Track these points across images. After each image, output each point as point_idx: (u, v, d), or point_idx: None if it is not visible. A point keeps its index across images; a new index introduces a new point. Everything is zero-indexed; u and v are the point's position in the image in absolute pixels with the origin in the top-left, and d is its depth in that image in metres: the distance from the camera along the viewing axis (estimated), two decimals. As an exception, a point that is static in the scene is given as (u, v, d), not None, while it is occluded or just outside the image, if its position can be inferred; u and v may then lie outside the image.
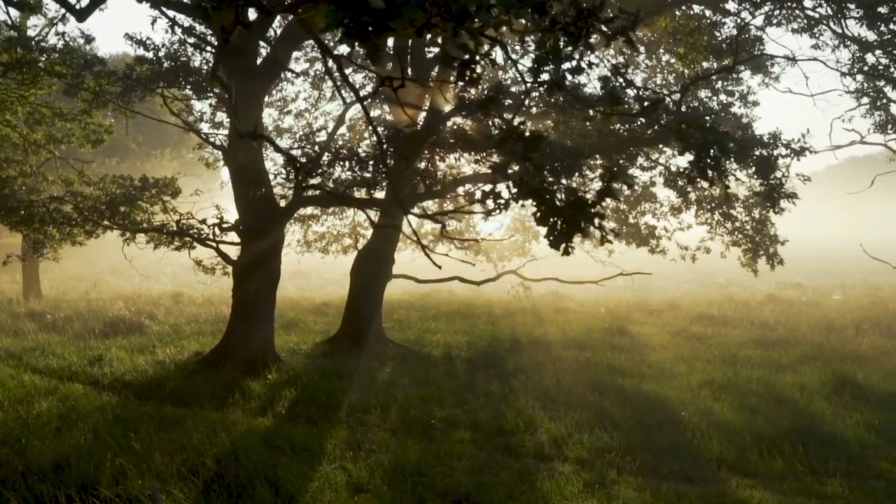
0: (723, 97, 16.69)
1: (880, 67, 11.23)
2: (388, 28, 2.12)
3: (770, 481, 7.24)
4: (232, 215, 12.87)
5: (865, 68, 11.46)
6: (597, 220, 2.83)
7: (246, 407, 9.89)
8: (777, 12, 13.70)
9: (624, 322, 17.93)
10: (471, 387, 11.02)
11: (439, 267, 5.55)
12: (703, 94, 16.61)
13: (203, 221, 12.61)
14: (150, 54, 12.94)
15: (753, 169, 9.51)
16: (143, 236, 14.00)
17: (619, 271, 15.88)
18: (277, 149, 5.88)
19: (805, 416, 9.41)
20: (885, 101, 12.31)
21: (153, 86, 13.21)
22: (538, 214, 2.85)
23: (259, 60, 12.59)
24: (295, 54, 17.52)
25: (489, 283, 16.08)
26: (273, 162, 14.75)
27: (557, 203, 2.77)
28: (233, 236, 12.57)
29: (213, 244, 12.41)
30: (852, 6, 11.05)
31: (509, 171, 3.29)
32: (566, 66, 3.88)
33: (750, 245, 14.88)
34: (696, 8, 13.97)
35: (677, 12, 13.61)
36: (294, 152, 11.89)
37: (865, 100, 12.50)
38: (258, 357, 12.07)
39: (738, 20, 11.90)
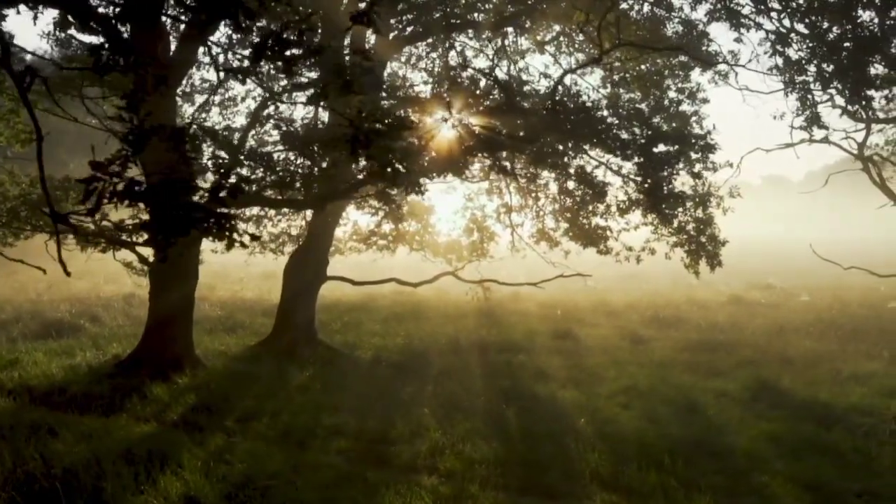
0: (672, 94, 16.37)
1: (803, 62, 10.81)
2: None
3: (638, 497, 6.91)
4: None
5: (780, 61, 11.04)
6: (225, 223, 2.54)
7: (139, 413, 9.62)
8: (718, 6, 13.35)
9: (574, 324, 17.57)
10: (381, 392, 10.71)
11: (68, 274, 5.23)
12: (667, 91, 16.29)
13: (121, 222, 12.35)
14: (68, 52, 12.73)
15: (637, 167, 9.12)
16: (73, 238, 13.79)
17: (560, 273, 15.58)
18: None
19: (708, 426, 9.06)
20: (811, 97, 11.86)
21: (73, 84, 12.96)
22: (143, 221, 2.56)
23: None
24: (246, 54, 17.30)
25: (426, 283, 15.80)
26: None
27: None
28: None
29: (128, 245, 12.16)
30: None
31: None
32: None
33: (693, 246, 14.50)
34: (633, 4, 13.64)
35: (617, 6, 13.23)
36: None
37: (794, 97, 12.10)
38: (175, 361, 11.83)
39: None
